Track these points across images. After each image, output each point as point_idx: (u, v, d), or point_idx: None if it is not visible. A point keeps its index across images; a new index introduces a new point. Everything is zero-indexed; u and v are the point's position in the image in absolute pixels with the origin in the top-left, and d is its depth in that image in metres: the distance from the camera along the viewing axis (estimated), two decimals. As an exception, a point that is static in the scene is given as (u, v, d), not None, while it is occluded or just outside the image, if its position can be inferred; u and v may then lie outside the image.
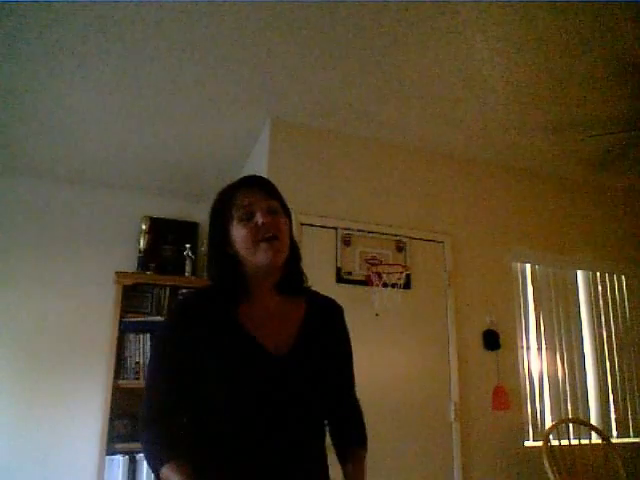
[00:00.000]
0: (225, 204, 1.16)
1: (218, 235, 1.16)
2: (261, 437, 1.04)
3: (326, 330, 1.22)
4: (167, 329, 1.17)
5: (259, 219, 1.10)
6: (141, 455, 2.96)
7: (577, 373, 3.24)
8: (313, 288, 1.28)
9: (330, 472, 1.19)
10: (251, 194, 1.14)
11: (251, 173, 1.34)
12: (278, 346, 1.10)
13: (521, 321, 3.16)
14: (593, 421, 3.16)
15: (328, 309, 1.27)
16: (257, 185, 1.17)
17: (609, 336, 3.40)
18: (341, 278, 2.70)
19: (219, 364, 1.06)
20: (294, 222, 2.65)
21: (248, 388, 1.05)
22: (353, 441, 1.26)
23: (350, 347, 1.30)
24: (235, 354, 1.08)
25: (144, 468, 3.00)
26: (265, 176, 2.94)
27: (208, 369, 1.06)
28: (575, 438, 2.80)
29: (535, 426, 3.02)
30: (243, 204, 1.12)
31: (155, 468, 1.00)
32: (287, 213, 1.21)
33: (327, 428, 1.24)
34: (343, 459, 1.22)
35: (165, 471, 0.98)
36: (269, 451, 1.04)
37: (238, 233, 1.12)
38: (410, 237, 2.91)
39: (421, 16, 2.04)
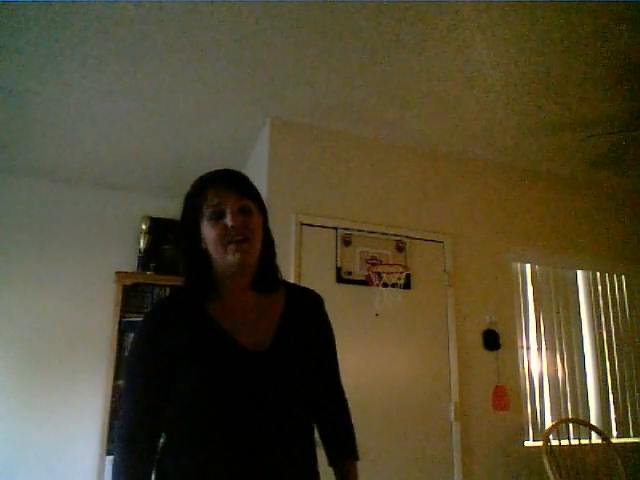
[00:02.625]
0: (196, 199, 1.12)
1: (189, 230, 1.12)
2: (240, 435, 1.02)
3: (307, 322, 1.20)
4: (141, 337, 1.12)
5: (229, 221, 1.07)
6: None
7: (577, 373, 3.24)
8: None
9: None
10: (222, 192, 1.10)
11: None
12: (257, 343, 1.08)
13: (521, 321, 3.16)
14: (593, 421, 3.16)
15: (308, 301, 1.25)
16: (230, 182, 1.13)
17: (609, 336, 3.40)
18: (341, 278, 2.70)
19: (196, 365, 1.03)
20: (294, 222, 2.68)
21: (225, 386, 1.02)
22: (345, 452, 1.23)
23: (333, 337, 1.28)
24: (211, 352, 1.05)
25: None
26: (265, 176, 2.95)
27: (185, 371, 1.03)
28: (575, 438, 2.80)
29: (535, 426, 3.02)
30: (213, 203, 1.08)
31: None
32: (262, 209, 1.17)
33: (315, 427, 1.23)
34: (337, 472, 1.20)
35: None
36: (249, 450, 1.01)
37: (207, 232, 1.09)
38: (410, 237, 2.91)
39: (421, 16, 2.04)
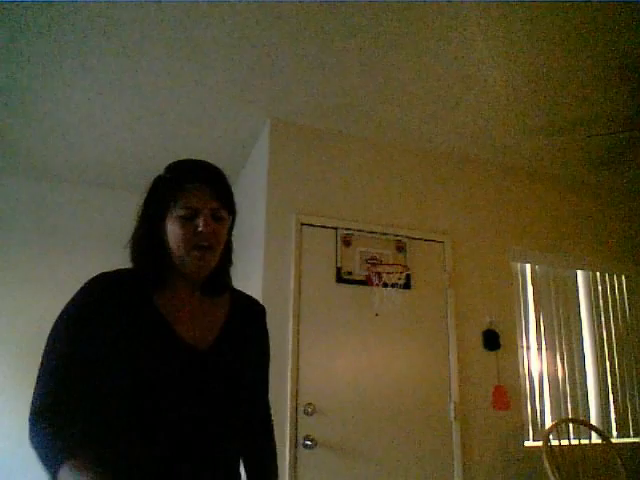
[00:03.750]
0: (170, 188, 1.06)
1: (153, 215, 1.07)
2: (167, 427, 0.98)
3: (249, 330, 1.18)
4: (78, 306, 1.02)
5: (200, 226, 1.03)
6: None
7: (577, 373, 3.24)
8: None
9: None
10: (199, 193, 1.04)
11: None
12: (199, 340, 1.06)
13: (521, 321, 3.16)
14: (593, 421, 3.17)
15: (251, 309, 1.23)
16: (210, 183, 1.07)
17: (609, 336, 3.40)
18: (341, 278, 2.70)
19: (131, 348, 0.97)
20: (294, 222, 2.68)
21: (160, 378, 0.98)
22: (267, 471, 1.19)
23: (269, 350, 1.26)
24: (150, 340, 1.00)
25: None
26: (265, 176, 2.95)
27: (119, 353, 0.96)
28: (575, 438, 2.80)
29: (535, 426, 3.02)
30: (187, 203, 1.03)
31: (51, 468, 0.83)
32: (232, 212, 1.13)
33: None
34: None
35: (64, 472, 0.82)
36: (178, 446, 0.98)
37: (174, 228, 1.04)
38: (410, 237, 2.91)
39: (421, 16, 2.04)
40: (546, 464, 2.60)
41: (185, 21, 2.07)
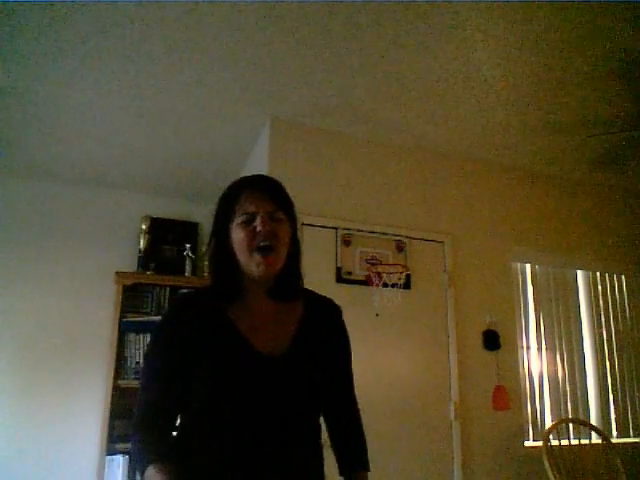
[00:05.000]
0: (230, 201, 1.15)
1: (220, 231, 1.15)
2: (248, 436, 1.03)
3: (324, 331, 1.21)
4: (161, 328, 1.15)
5: (258, 225, 1.09)
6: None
7: (577, 373, 3.24)
8: (310, 288, 1.27)
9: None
10: (256, 198, 1.12)
11: (253, 173, 1.33)
12: (273, 348, 1.09)
13: (521, 321, 3.16)
14: (593, 421, 3.17)
15: (326, 310, 1.26)
16: (264, 189, 1.15)
17: (609, 336, 3.40)
18: (341, 278, 2.70)
19: (209, 364, 1.05)
20: (294, 222, 2.67)
21: (237, 390, 1.04)
22: (356, 463, 1.25)
23: (349, 348, 1.29)
24: (226, 355, 1.07)
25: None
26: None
27: (199, 369, 1.05)
28: (575, 438, 2.80)
29: (535, 426, 3.03)
30: (245, 207, 1.11)
31: (140, 469, 1.00)
32: (292, 219, 1.19)
33: (327, 434, 1.24)
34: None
35: (148, 472, 0.97)
36: (257, 453, 1.03)
37: (236, 235, 1.11)
38: (410, 237, 2.91)
39: (421, 16, 2.04)
40: (546, 464, 2.60)
41: (185, 21, 2.07)
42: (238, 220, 1.11)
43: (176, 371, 1.07)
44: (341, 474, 1.23)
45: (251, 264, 1.10)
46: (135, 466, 1.03)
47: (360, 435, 1.29)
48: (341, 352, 1.27)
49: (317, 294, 1.28)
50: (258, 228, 1.09)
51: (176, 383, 1.07)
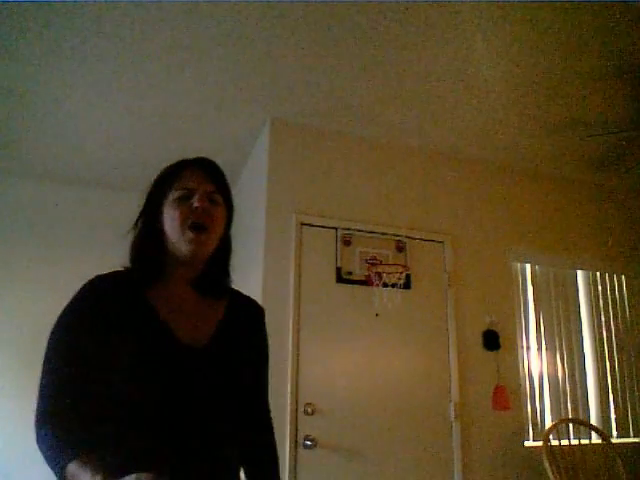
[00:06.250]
0: (169, 177, 1.11)
1: (152, 207, 1.11)
2: (168, 428, 0.98)
3: (246, 331, 1.17)
4: (75, 308, 1.03)
5: (195, 202, 1.05)
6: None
7: (577, 373, 3.24)
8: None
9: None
10: (197, 178, 1.09)
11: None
12: (194, 339, 1.04)
13: (521, 321, 3.16)
14: (593, 421, 3.16)
15: (249, 309, 1.22)
16: (207, 171, 1.12)
17: (609, 336, 3.40)
18: (341, 278, 2.70)
19: (127, 348, 0.98)
20: (294, 222, 2.68)
21: (155, 377, 0.98)
22: (269, 474, 1.18)
23: (268, 351, 1.24)
24: (144, 339, 1.00)
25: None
26: (265, 176, 2.95)
27: (115, 352, 0.97)
28: (575, 438, 2.80)
29: (535, 426, 3.02)
30: (185, 185, 1.08)
31: (59, 467, 0.86)
32: (229, 208, 1.15)
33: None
34: None
35: (71, 469, 0.84)
36: (175, 444, 0.97)
37: (170, 212, 1.07)
38: (410, 237, 2.91)
39: (421, 16, 2.04)
40: (546, 464, 2.60)
41: (185, 21, 2.07)
42: (174, 195, 1.07)
43: (90, 355, 0.97)
44: None
45: (182, 242, 1.05)
46: (51, 465, 0.88)
47: (273, 445, 1.22)
48: (260, 354, 1.22)
49: (242, 293, 1.24)
50: (195, 204, 1.05)
51: (87, 372, 0.96)
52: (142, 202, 1.14)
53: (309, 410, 2.47)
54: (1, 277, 3.39)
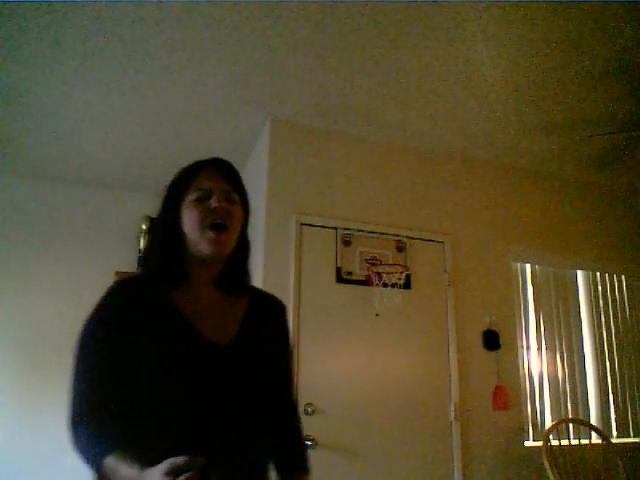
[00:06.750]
0: (186, 179, 1.13)
1: (170, 211, 1.12)
2: (198, 426, 1.00)
3: (269, 328, 1.19)
4: (97, 318, 1.05)
5: (213, 202, 1.07)
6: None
7: (577, 373, 3.24)
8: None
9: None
10: (214, 178, 1.11)
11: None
12: (219, 337, 1.06)
13: (521, 321, 3.16)
14: (593, 421, 3.16)
15: (272, 306, 1.24)
16: (223, 171, 1.14)
17: (609, 336, 3.40)
18: (341, 278, 2.70)
19: (154, 349, 1.00)
20: (294, 222, 2.68)
21: (183, 375, 1.00)
22: (297, 465, 1.17)
23: (290, 346, 1.26)
24: (171, 339, 1.03)
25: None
26: (265, 176, 2.95)
27: (144, 354, 1.00)
28: (575, 438, 2.80)
29: (535, 426, 3.02)
30: (202, 186, 1.09)
31: (95, 464, 0.90)
32: (246, 208, 1.17)
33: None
34: None
35: (109, 462, 0.88)
36: (203, 442, 0.98)
37: (189, 213, 1.08)
38: (410, 237, 2.91)
39: (421, 16, 2.04)
40: (546, 464, 2.60)
41: (185, 21, 2.07)
42: (192, 197, 1.09)
43: (121, 357, 1.00)
44: (280, 478, 1.16)
45: (202, 242, 1.06)
46: (88, 463, 0.92)
47: (301, 438, 1.24)
48: (284, 351, 1.24)
49: (264, 291, 1.26)
50: (213, 205, 1.07)
51: (116, 374, 1.00)
52: (159, 207, 1.17)
53: (309, 410, 2.47)
54: (1, 277, 3.39)
